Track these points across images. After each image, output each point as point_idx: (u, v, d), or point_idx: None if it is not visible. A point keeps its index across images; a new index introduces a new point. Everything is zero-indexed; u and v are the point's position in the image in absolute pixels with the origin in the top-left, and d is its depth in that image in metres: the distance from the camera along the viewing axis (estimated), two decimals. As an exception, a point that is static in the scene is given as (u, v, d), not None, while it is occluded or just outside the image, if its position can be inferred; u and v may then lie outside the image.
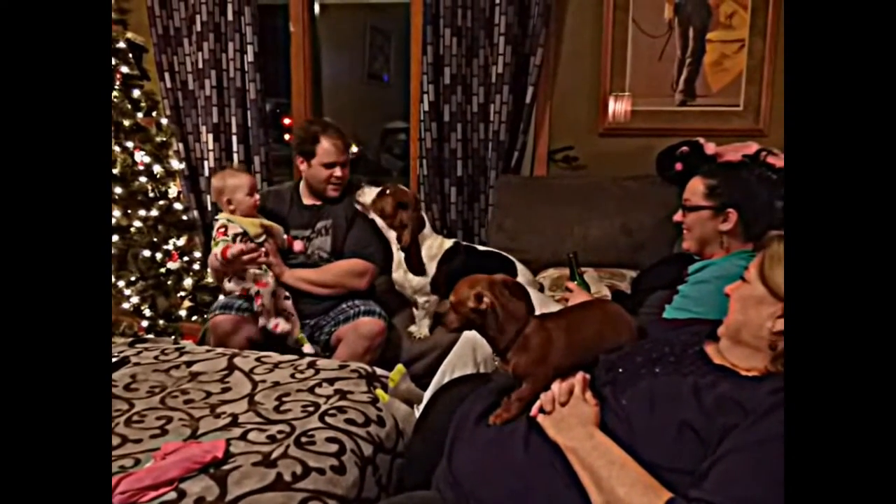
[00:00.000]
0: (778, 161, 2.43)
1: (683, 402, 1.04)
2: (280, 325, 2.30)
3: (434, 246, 2.40)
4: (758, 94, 2.88)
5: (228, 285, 2.32)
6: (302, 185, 2.56)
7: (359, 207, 2.41)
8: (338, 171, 2.43)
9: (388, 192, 2.36)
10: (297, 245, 2.46)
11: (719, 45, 2.90)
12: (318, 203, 2.52)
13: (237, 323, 2.29)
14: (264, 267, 2.32)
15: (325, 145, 2.39)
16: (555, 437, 1.11)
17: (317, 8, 3.67)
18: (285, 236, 2.46)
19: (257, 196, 2.38)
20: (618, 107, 2.99)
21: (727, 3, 2.86)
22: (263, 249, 2.32)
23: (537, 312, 1.31)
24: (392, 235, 2.38)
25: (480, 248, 2.56)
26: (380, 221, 2.38)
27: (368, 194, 2.37)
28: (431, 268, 2.38)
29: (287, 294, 2.38)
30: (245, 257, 2.24)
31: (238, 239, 2.28)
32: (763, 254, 1.13)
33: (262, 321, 2.30)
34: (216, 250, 2.25)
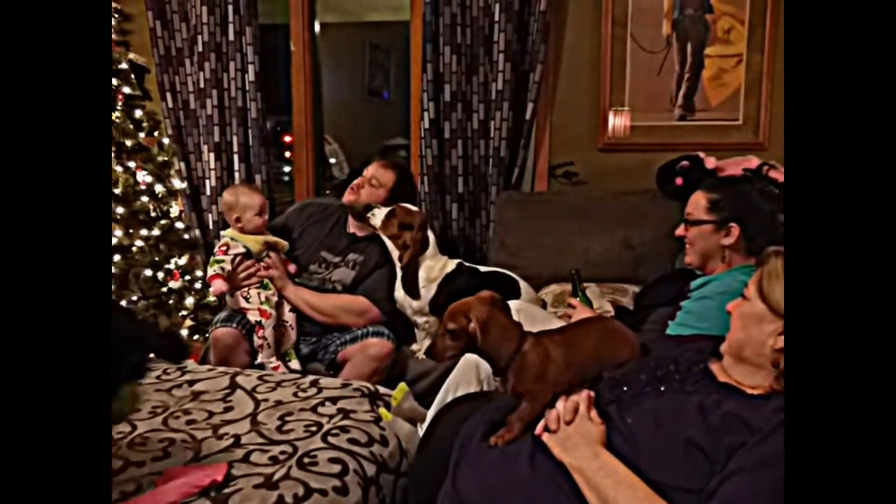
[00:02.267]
0: (779, 175, 2.43)
1: (689, 420, 1.04)
2: (281, 367, 2.30)
3: (435, 268, 2.39)
4: (757, 107, 2.89)
5: (230, 300, 2.37)
6: None
7: (371, 228, 2.43)
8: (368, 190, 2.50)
9: (394, 213, 2.38)
10: (292, 267, 2.48)
11: (717, 60, 2.91)
12: (360, 235, 2.54)
13: (238, 337, 2.29)
14: (267, 282, 2.34)
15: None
16: (560, 457, 1.10)
17: (317, 27, 3.70)
18: (284, 257, 2.48)
19: (266, 217, 2.43)
20: (617, 122, 3.00)
21: (724, 18, 2.88)
22: (262, 264, 2.36)
23: (539, 329, 1.31)
24: (397, 255, 2.39)
25: (483, 269, 2.52)
26: (389, 243, 2.40)
27: (379, 216, 2.39)
28: (430, 290, 2.37)
29: (291, 307, 2.40)
30: (243, 274, 2.32)
31: (238, 259, 2.33)
32: (761, 270, 1.12)
33: (261, 357, 2.29)
34: (211, 271, 2.29)
